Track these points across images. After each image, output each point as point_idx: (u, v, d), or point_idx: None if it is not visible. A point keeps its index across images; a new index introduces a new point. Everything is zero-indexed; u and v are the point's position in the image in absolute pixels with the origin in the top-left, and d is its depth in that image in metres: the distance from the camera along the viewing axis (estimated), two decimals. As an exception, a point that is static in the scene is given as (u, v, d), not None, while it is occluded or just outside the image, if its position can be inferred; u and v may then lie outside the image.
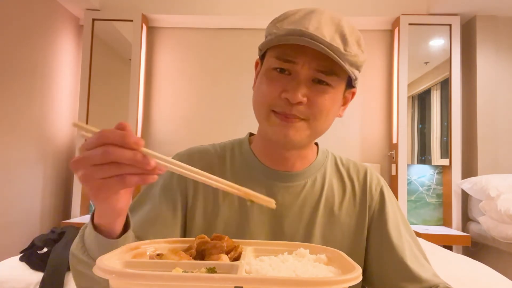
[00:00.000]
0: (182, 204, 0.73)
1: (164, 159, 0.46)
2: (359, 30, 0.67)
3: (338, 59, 0.61)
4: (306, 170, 0.75)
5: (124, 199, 0.51)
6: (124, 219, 0.56)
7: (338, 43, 0.61)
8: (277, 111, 0.66)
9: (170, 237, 0.69)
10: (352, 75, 0.65)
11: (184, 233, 0.73)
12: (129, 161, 0.43)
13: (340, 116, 0.73)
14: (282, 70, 0.66)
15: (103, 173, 0.44)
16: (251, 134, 0.82)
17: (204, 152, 0.78)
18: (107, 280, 0.38)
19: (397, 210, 0.77)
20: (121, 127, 0.44)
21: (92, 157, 0.43)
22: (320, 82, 0.65)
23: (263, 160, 0.75)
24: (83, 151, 0.44)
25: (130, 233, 0.57)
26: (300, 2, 2.61)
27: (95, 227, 0.54)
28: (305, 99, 0.64)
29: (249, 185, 0.72)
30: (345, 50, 0.62)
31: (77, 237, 0.60)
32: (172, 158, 0.78)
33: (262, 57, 0.71)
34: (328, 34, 0.61)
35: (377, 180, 0.78)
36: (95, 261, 0.55)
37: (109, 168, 0.43)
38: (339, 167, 0.79)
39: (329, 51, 0.60)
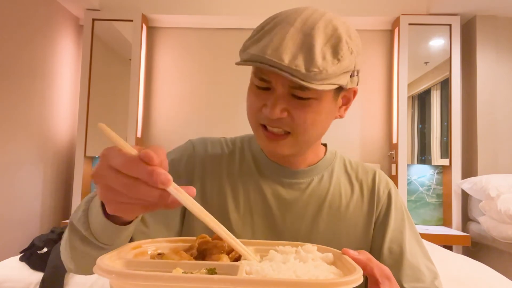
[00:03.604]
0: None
1: (190, 201, 0.43)
2: (356, 30, 0.65)
3: (300, 81, 0.58)
4: (313, 168, 0.76)
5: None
6: None
7: (298, 64, 0.57)
8: (262, 125, 0.67)
9: (170, 219, 0.70)
10: (330, 87, 0.61)
11: (183, 223, 0.73)
12: (154, 201, 0.41)
13: (341, 117, 0.72)
14: (262, 87, 0.65)
15: (124, 199, 0.41)
16: None
17: (217, 143, 0.80)
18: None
19: (403, 214, 0.76)
20: (147, 160, 0.39)
21: (114, 183, 0.40)
22: (299, 97, 0.63)
23: (270, 156, 0.76)
24: (106, 167, 0.41)
25: (138, 219, 0.55)
26: (301, 2, 2.62)
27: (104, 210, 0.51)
28: (284, 114, 0.63)
29: (255, 179, 0.74)
30: (307, 70, 0.57)
31: (81, 211, 0.57)
32: (185, 143, 0.79)
33: None
34: (288, 53, 0.58)
35: (385, 183, 0.78)
36: (98, 240, 0.55)
37: (131, 199, 0.41)
38: (347, 169, 0.79)
39: (288, 75, 0.57)
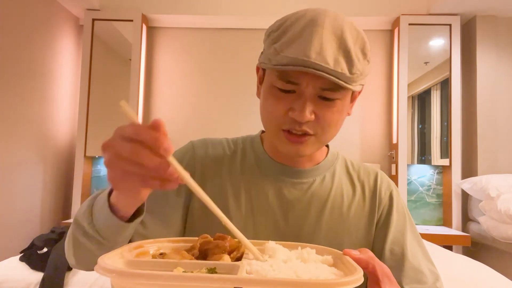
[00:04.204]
0: (186, 189, 0.73)
1: (185, 175, 0.45)
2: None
3: (344, 84, 0.60)
4: (316, 168, 0.76)
5: (144, 193, 0.51)
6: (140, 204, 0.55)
7: (343, 67, 0.59)
8: (286, 130, 0.66)
9: (170, 217, 0.70)
10: (360, 88, 0.64)
11: (184, 223, 0.73)
12: (154, 167, 0.43)
13: (349, 114, 0.73)
14: (286, 90, 0.64)
15: (127, 166, 0.43)
16: (263, 131, 0.82)
17: (218, 144, 0.80)
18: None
19: (405, 216, 0.76)
20: (155, 127, 0.42)
21: (121, 149, 0.43)
22: (326, 98, 0.63)
23: (273, 157, 0.76)
24: (117, 136, 0.44)
25: (139, 219, 0.57)
26: (301, 2, 2.63)
27: (110, 205, 0.53)
28: (312, 116, 0.63)
29: (257, 178, 0.74)
30: (350, 72, 0.60)
31: (86, 206, 0.59)
32: (186, 144, 0.79)
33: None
34: (331, 57, 0.58)
35: (387, 184, 0.78)
36: (101, 235, 0.56)
37: (134, 165, 0.43)
38: (349, 169, 0.79)
39: (335, 78, 0.59)
